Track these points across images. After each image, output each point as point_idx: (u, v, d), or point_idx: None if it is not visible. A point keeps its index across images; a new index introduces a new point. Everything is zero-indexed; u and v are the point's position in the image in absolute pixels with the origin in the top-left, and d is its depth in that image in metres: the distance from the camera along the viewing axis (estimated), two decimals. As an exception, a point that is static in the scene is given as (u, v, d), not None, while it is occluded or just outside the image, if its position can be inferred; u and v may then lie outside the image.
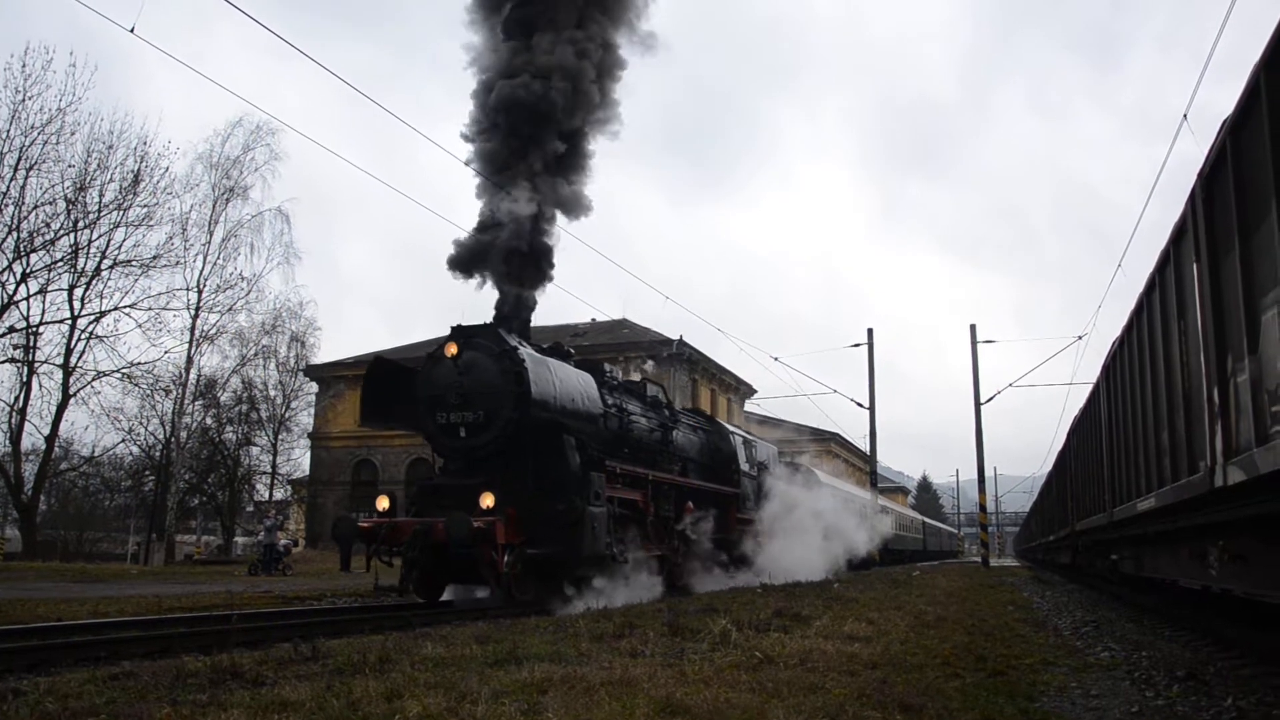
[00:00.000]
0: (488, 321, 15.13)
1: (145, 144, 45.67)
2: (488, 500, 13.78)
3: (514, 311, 15.67)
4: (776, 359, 43.11)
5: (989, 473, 42.14)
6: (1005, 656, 8.14)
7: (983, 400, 39.34)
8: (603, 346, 47.13)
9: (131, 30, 13.45)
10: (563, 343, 18.26)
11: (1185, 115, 11.76)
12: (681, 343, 48.32)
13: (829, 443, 70.38)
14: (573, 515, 14.47)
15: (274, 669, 6.40)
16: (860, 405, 39.92)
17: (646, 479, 17.31)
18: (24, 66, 37.91)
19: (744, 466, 22.58)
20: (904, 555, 51.76)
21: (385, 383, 15.28)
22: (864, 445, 50.03)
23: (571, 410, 15.06)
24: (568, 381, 15.14)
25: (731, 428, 23.50)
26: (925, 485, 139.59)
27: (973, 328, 39.39)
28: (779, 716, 4.95)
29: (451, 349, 14.60)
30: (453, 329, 15.06)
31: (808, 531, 26.78)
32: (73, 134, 39.12)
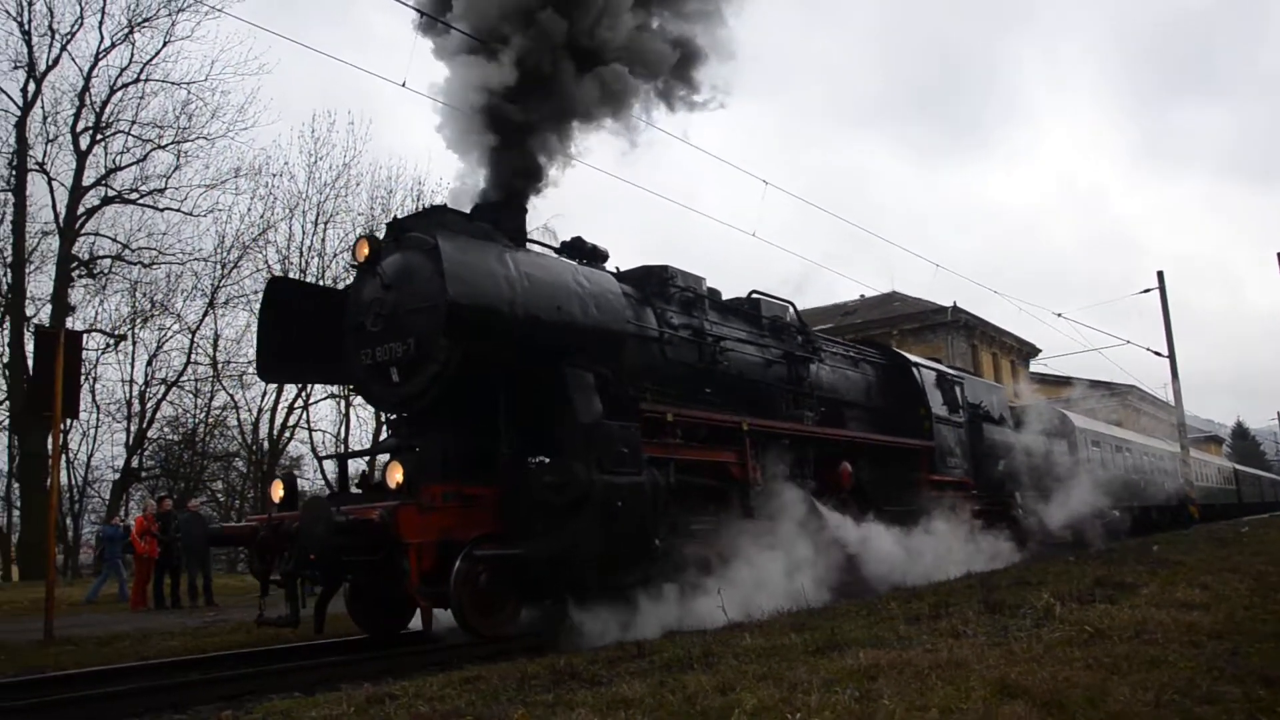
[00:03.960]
0: (435, 205, 9.18)
1: (419, 183, 44.77)
2: (395, 475, 7.85)
3: (500, 196, 9.62)
4: (1060, 315, 34.70)
5: (1316, 409, 32.44)
6: (1375, 622, 6.56)
7: (1303, 330, 29.59)
8: (875, 322, 42.28)
9: (403, 85, 13.82)
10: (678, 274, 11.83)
11: None
12: (956, 309, 41.74)
13: (1125, 396, 60.61)
14: (571, 491, 8.32)
15: (605, 668, 6.01)
16: (1157, 354, 32.35)
17: (739, 430, 10.72)
18: (313, 132, 38.08)
19: (938, 411, 15.18)
20: (1214, 510, 41.03)
21: (296, 316, 9.59)
22: (1165, 396, 42.31)
23: (556, 324, 8.70)
24: (542, 279, 8.70)
25: (920, 360, 16.08)
26: (1240, 432, 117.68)
27: (1287, 253, 29.57)
28: (1124, 694, 4.45)
29: (362, 249, 8.75)
30: (388, 225, 9.29)
31: (1066, 491, 19.06)
32: (358, 185, 38.10)
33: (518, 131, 9.66)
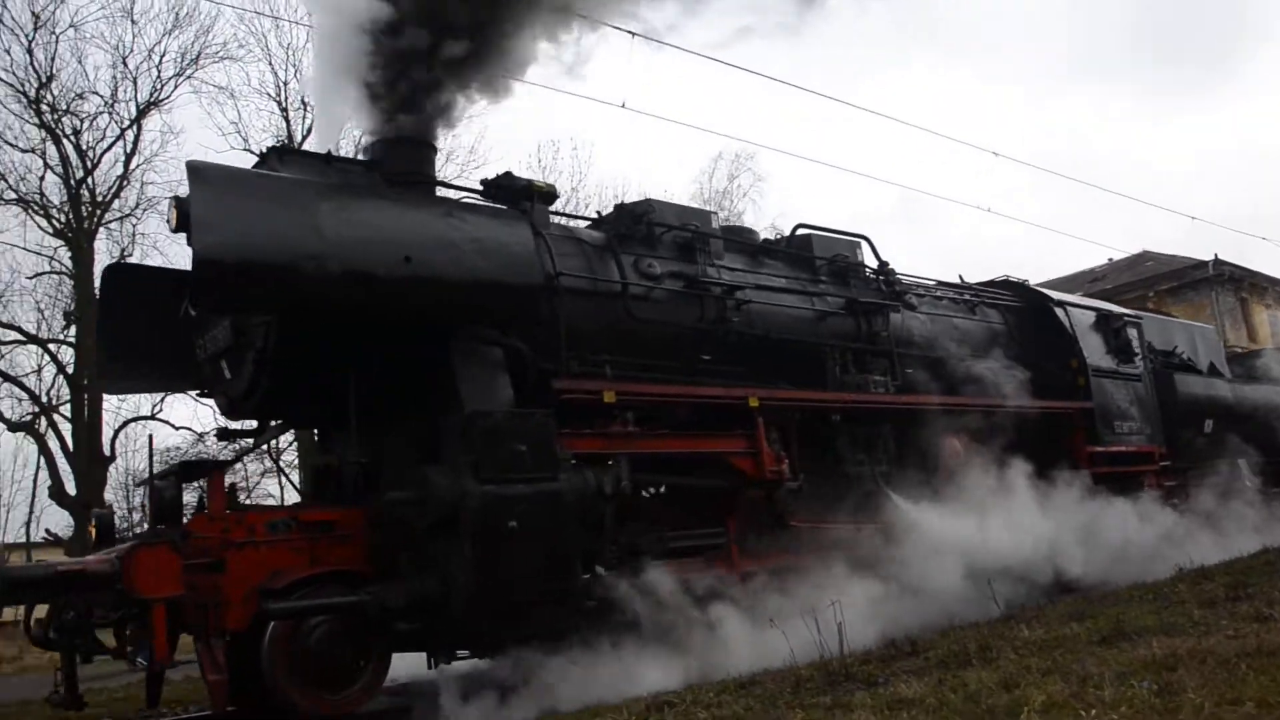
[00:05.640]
0: (273, 146, 6.98)
1: (643, 198, 44.53)
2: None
3: (385, 132, 7.28)
4: (1342, 254, 29.14)
5: None
6: None
7: None
8: (1126, 286, 37.70)
9: (623, 106, 13.91)
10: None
11: None
12: (1218, 262, 36.42)
13: None
14: (433, 510, 5.91)
15: (880, 667, 5.67)
16: None
17: (743, 406, 7.82)
18: (539, 162, 39.09)
19: (1098, 361, 11.35)
20: None
21: (145, 310, 7.39)
22: None
23: (406, 280, 6.04)
24: (382, 224, 6.04)
25: (1067, 297, 12.16)
26: None
27: None
28: None
29: (172, 215, 6.70)
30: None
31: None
32: (587, 206, 38.84)
33: (406, 50, 7.32)
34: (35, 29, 19.44)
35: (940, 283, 11.37)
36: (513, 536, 5.99)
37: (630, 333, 7.67)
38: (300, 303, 5.91)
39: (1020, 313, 11.50)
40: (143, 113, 21.91)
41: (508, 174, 7.87)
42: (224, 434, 7.04)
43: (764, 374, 8.37)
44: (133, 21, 20.75)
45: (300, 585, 5.89)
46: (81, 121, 20.50)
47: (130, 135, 22.89)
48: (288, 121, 28.88)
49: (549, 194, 7.87)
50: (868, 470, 8.79)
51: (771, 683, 5.62)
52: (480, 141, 44.60)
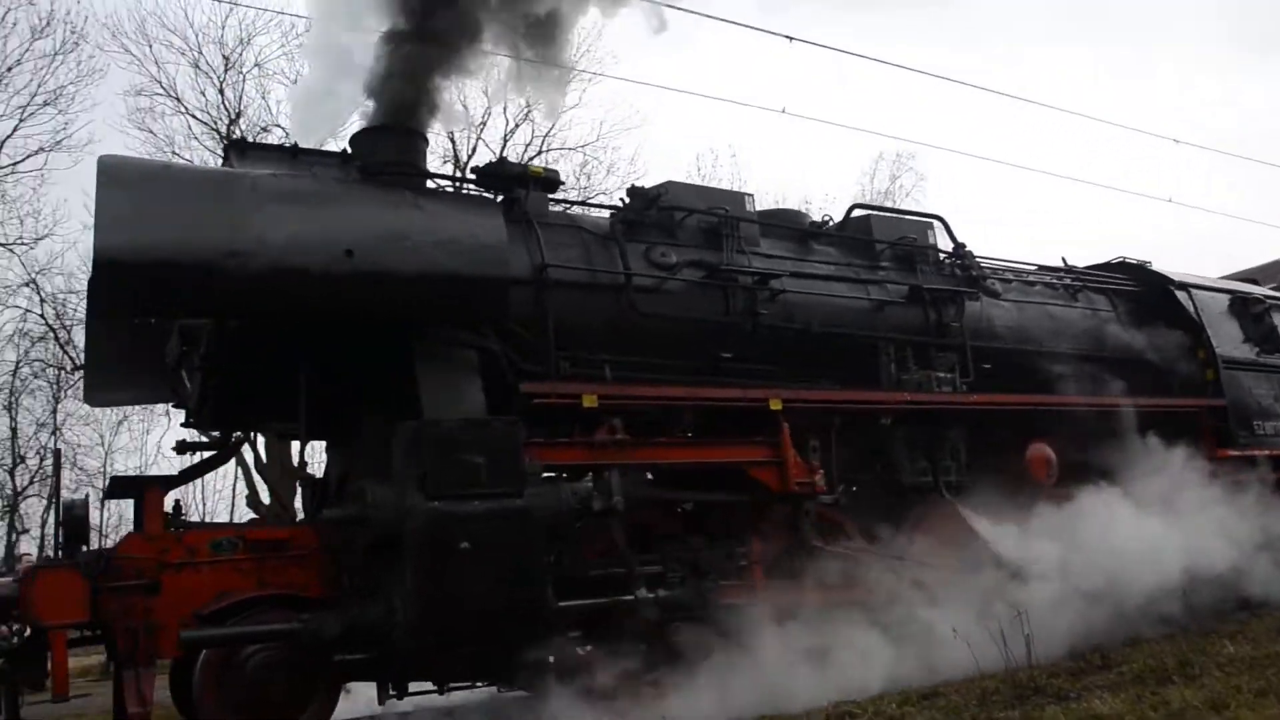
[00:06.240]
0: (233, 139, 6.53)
1: (806, 204, 44.00)
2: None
3: (378, 119, 6.76)
4: None
5: None
6: None
7: None
8: None
9: (783, 111, 13.99)
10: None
11: None
12: None
13: None
14: (375, 529, 5.33)
15: (1069, 681, 5.49)
16: None
17: (763, 409, 6.86)
18: (699, 170, 39.49)
19: (1231, 351, 9.63)
20: None
21: (135, 322, 7.06)
22: None
23: (346, 277, 5.43)
24: (321, 215, 5.41)
25: (1192, 279, 10.43)
26: None
27: None
28: None
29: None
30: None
31: None
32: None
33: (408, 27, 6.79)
34: (225, 70, 20.56)
35: (1041, 267, 10.05)
36: (464, 558, 5.35)
37: (635, 329, 6.87)
38: (224, 304, 5.45)
39: (1135, 298, 9.97)
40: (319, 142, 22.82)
41: (501, 160, 7.27)
42: (182, 447, 6.71)
43: (801, 372, 7.44)
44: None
45: (240, 609, 5.44)
46: (266, 153, 21.84)
47: (308, 163, 24.12)
48: (454, 143, 29.36)
49: (549, 180, 7.18)
50: (930, 481, 7.71)
51: (955, 694, 5.42)
52: (640, 152, 44.39)
